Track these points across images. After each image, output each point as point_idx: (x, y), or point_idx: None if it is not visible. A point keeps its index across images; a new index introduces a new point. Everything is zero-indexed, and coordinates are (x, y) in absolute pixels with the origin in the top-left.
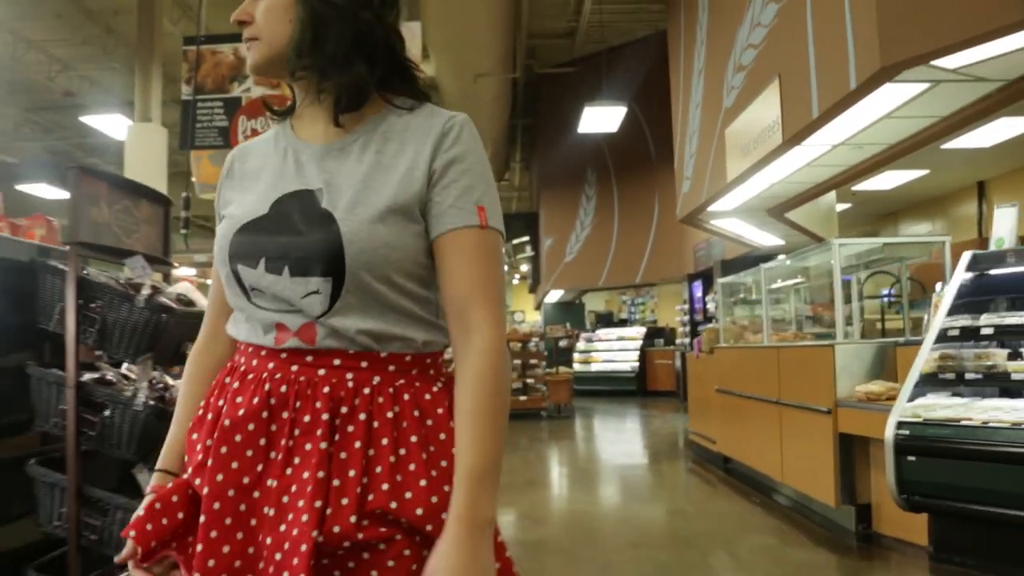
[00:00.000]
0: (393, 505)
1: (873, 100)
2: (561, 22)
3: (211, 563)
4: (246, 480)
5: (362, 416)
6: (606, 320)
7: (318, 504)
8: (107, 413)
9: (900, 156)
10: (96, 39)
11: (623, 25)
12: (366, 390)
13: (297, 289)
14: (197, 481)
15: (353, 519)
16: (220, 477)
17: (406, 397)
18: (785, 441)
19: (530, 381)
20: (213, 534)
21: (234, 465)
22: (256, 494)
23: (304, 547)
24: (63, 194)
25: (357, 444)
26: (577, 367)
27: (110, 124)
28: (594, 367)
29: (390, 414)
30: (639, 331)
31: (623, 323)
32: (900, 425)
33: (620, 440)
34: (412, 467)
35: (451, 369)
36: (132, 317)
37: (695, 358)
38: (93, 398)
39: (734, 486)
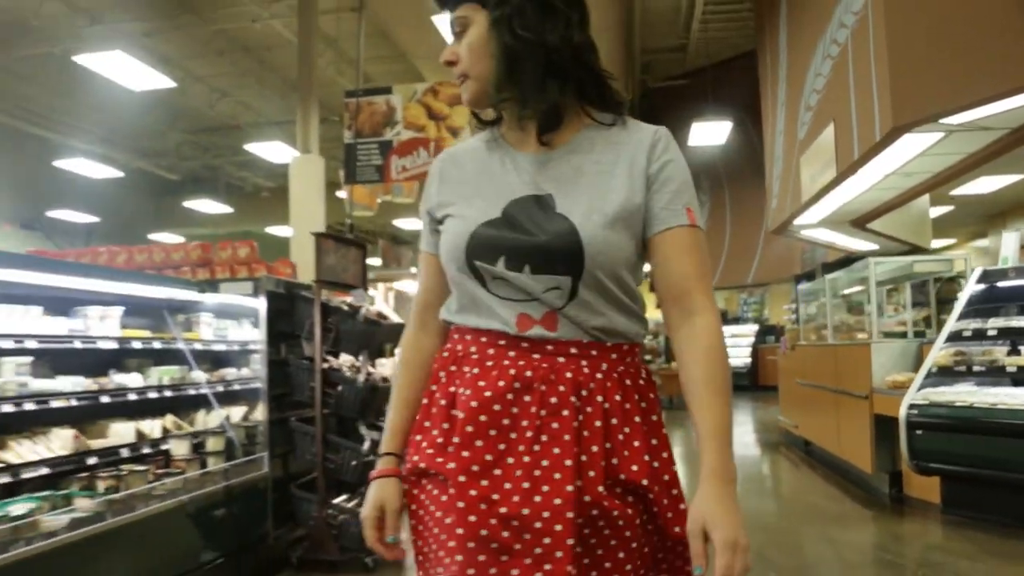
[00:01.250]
0: (622, 477)
1: (901, 144)
2: (672, 39)
3: (459, 531)
4: (489, 457)
5: (599, 398)
6: (721, 318)
7: (574, 475)
8: (339, 388)
9: (945, 182)
10: (252, 71)
11: (732, 39)
12: (599, 375)
13: (538, 285)
14: (439, 460)
15: (601, 489)
16: (466, 454)
17: (627, 382)
18: (840, 422)
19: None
20: (460, 504)
21: (478, 443)
22: (497, 471)
23: (570, 514)
24: (224, 208)
25: (597, 423)
26: None
27: (269, 150)
28: None
29: (618, 397)
30: (751, 328)
31: (736, 321)
32: (911, 407)
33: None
34: (636, 443)
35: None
36: (355, 328)
37: (783, 354)
38: (330, 378)
39: (809, 463)
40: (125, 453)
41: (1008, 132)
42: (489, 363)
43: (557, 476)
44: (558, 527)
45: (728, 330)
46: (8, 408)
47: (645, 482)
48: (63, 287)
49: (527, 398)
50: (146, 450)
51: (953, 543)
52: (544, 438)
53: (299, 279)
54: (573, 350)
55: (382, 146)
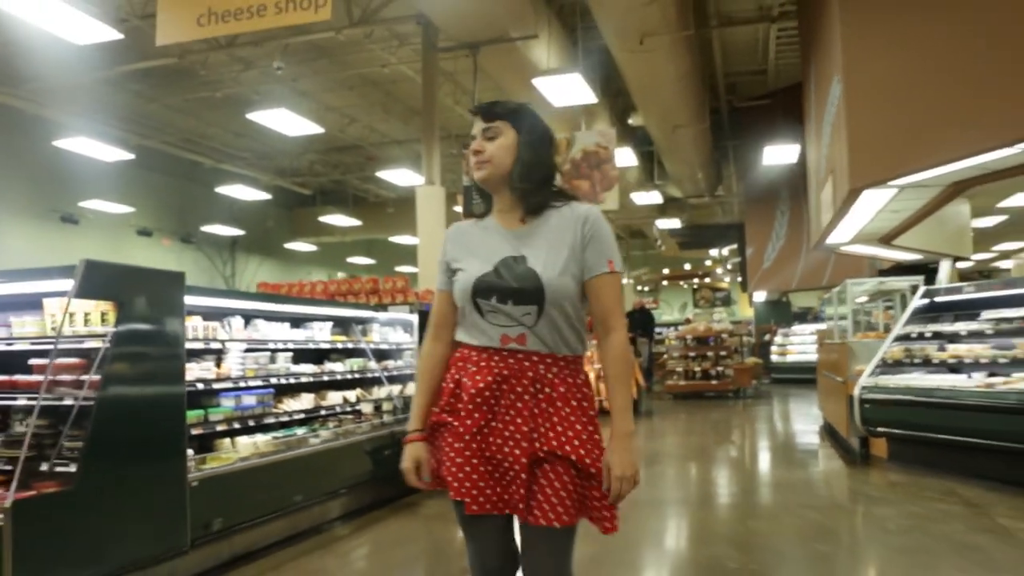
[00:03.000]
0: (562, 439)
1: (869, 196)
2: (752, 64)
3: (466, 468)
4: (482, 422)
5: (547, 390)
6: (802, 318)
7: (529, 435)
8: None
9: (928, 215)
10: (378, 101)
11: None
12: (549, 375)
13: (519, 311)
14: (452, 419)
15: (544, 449)
16: (469, 422)
17: (569, 380)
18: (834, 402)
19: (721, 368)
20: (465, 455)
21: (476, 415)
22: (487, 430)
23: (524, 460)
24: (353, 221)
25: (544, 405)
26: (775, 358)
27: (397, 176)
28: (789, 358)
29: (562, 389)
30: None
31: (816, 319)
32: (863, 388)
33: (771, 414)
34: (572, 419)
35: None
36: None
37: (818, 351)
38: None
39: (825, 436)
40: (337, 409)
41: (944, 188)
42: (483, 364)
43: (518, 436)
44: (517, 466)
45: (807, 328)
46: (282, 381)
47: (582, 452)
48: (300, 311)
49: (504, 387)
50: (348, 409)
51: (881, 481)
52: (513, 413)
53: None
54: (535, 357)
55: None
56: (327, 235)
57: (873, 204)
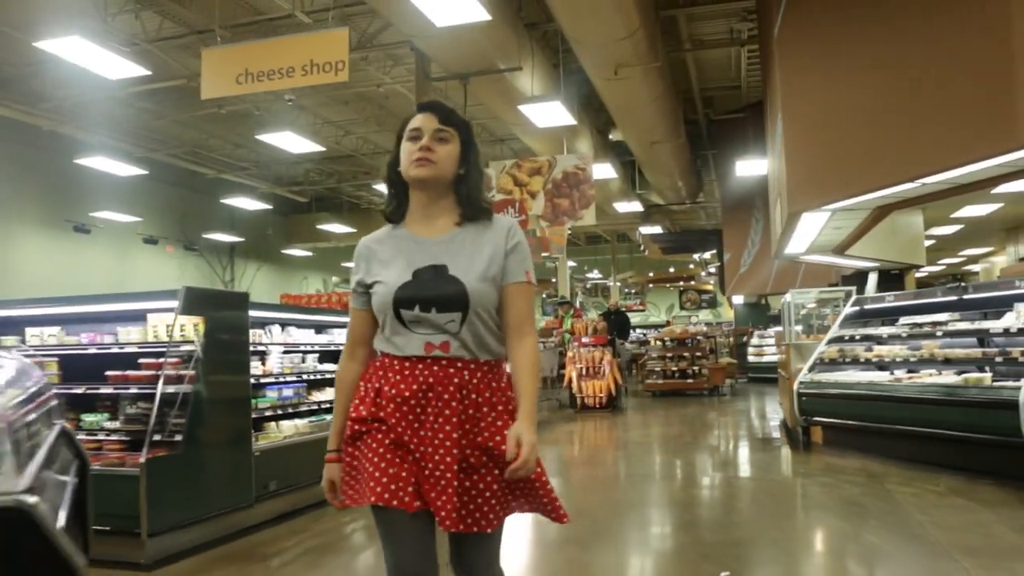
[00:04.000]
0: (490, 444)
1: (809, 217)
2: (727, 80)
3: (391, 470)
4: (407, 435)
5: (474, 396)
6: (776, 320)
7: (459, 442)
8: None
9: (867, 231)
10: (373, 115)
11: None
12: (474, 380)
13: (443, 318)
14: (375, 423)
15: (471, 451)
16: (400, 429)
17: (494, 385)
18: (784, 396)
19: (697, 368)
20: (388, 456)
21: (403, 423)
22: (415, 441)
23: (455, 466)
24: (347, 228)
25: (471, 411)
26: (751, 358)
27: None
28: (764, 359)
29: (487, 394)
30: None
31: None
32: (800, 383)
33: (740, 410)
34: (499, 423)
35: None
36: None
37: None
38: None
39: (781, 428)
40: None
41: (871, 211)
42: (406, 372)
43: (448, 443)
44: (448, 473)
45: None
46: (311, 377)
47: (504, 447)
48: (322, 320)
49: (430, 394)
50: None
51: (810, 461)
52: (441, 420)
53: None
54: (459, 364)
55: None
56: (323, 241)
57: (814, 223)
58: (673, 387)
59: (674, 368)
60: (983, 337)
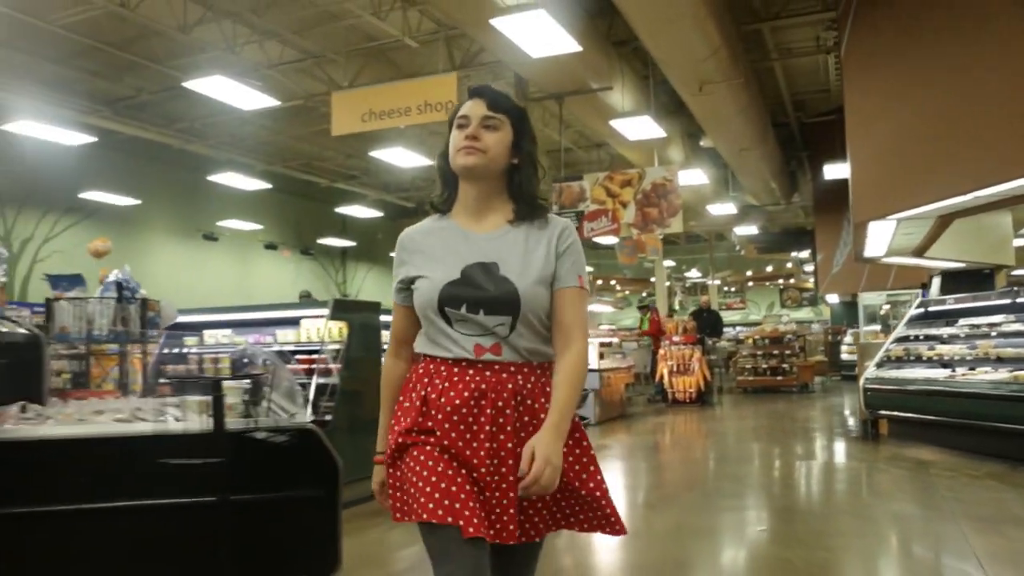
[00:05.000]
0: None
1: (875, 225)
2: (816, 85)
3: (443, 484)
4: (460, 444)
5: (528, 402)
6: (872, 319)
7: (515, 452)
8: None
9: (936, 237)
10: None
11: None
12: (530, 384)
13: (491, 321)
14: (423, 436)
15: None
16: (447, 442)
17: (548, 390)
18: (856, 391)
19: (786, 366)
20: (440, 470)
21: (452, 434)
22: (467, 452)
23: (510, 478)
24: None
25: (527, 418)
26: (844, 356)
27: None
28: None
29: (543, 399)
30: None
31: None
32: (866, 379)
33: (825, 404)
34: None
35: None
36: None
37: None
38: None
39: (849, 419)
40: None
41: (934, 219)
42: (455, 378)
43: (503, 454)
44: (512, 492)
45: (877, 327)
46: None
47: (569, 460)
48: None
49: (483, 401)
50: None
51: (873, 450)
52: (495, 429)
53: None
54: (512, 368)
55: (577, 215)
56: None
57: (883, 231)
58: (763, 384)
59: (764, 366)
60: None
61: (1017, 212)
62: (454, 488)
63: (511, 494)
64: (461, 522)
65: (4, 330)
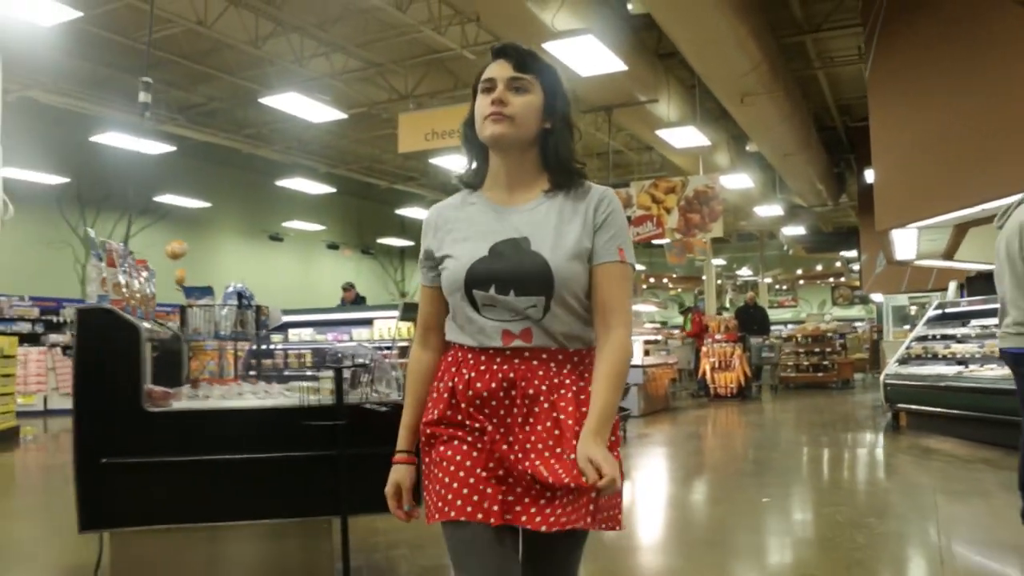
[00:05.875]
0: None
1: (899, 232)
2: (860, 91)
3: (471, 479)
4: (495, 435)
5: (562, 390)
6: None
7: (552, 446)
8: None
9: (959, 242)
10: None
11: None
12: (563, 373)
13: (522, 303)
14: (451, 428)
15: (570, 453)
16: (476, 433)
17: (586, 376)
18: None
19: (826, 363)
20: (468, 465)
21: (476, 425)
22: (502, 444)
23: (544, 474)
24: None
25: (563, 404)
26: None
27: None
28: None
29: (575, 388)
30: None
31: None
32: (886, 375)
33: (861, 399)
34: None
35: None
36: None
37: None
38: None
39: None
40: None
41: (951, 227)
42: (482, 367)
43: (539, 447)
44: (545, 474)
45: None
46: None
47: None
48: None
49: (513, 392)
50: None
51: (890, 439)
52: (531, 420)
53: None
54: (544, 355)
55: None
56: None
57: (908, 237)
58: (805, 380)
59: (806, 363)
60: None
61: None
62: (480, 485)
63: (546, 492)
64: (495, 510)
65: (158, 332)
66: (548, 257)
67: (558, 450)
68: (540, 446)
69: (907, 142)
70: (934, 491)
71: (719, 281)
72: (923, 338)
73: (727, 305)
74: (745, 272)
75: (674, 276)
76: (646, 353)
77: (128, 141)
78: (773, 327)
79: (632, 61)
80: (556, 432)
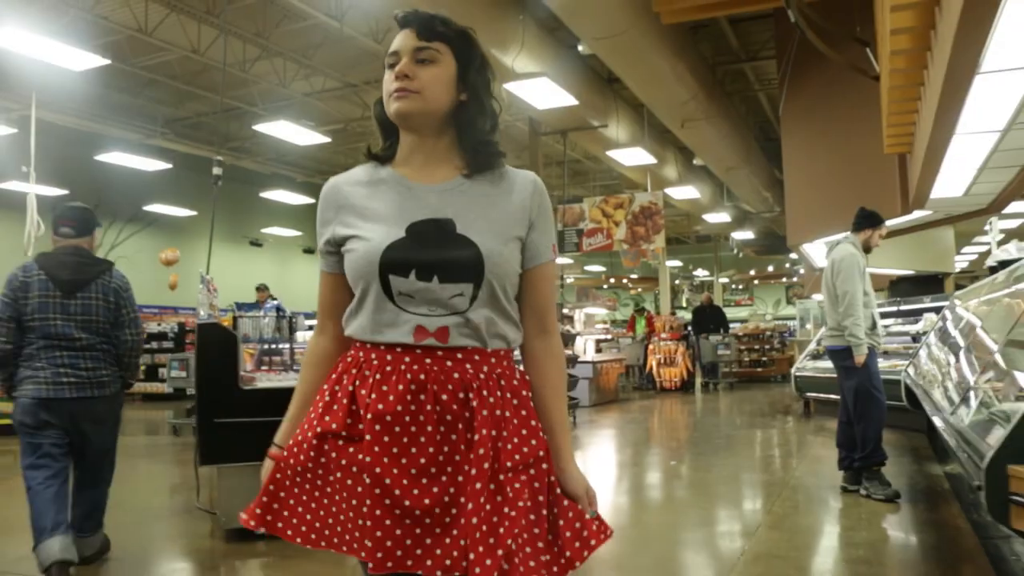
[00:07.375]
0: (517, 457)
1: (812, 245)
2: None
3: (386, 520)
4: (395, 450)
5: (484, 393)
6: None
7: (478, 460)
8: None
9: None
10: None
11: None
12: (481, 375)
13: (446, 291)
14: (347, 448)
15: (487, 464)
16: (377, 448)
17: (503, 383)
18: None
19: (765, 359)
20: (376, 491)
21: (386, 439)
22: (404, 460)
23: (478, 498)
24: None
25: (484, 412)
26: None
27: None
28: None
29: (498, 393)
30: None
31: None
32: (796, 368)
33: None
34: (524, 431)
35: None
36: None
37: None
38: None
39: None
40: None
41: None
42: (388, 368)
43: (457, 458)
44: (462, 499)
45: None
46: None
47: (541, 453)
48: None
49: (422, 396)
50: None
51: (797, 422)
52: (442, 428)
53: None
54: (459, 355)
55: (578, 232)
56: None
57: (818, 250)
58: (747, 374)
59: (747, 359)
60: (914, 335)
61: (959, 227)
62: (378, 512)
63: (481, 520)
64: (418, 556)
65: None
66: (477, 240)
67: (484, 464)
68: (457, 458)
69: (812, 170)
70: (792, 451)
71: (676, 282)
72: None
73: (683, 304)
74: (702, 272)
75: (633, 277)
76: (598, 351)
77: (132, 160)
78: (732, 325)
79: (584, 92)
80: (475, 439)
